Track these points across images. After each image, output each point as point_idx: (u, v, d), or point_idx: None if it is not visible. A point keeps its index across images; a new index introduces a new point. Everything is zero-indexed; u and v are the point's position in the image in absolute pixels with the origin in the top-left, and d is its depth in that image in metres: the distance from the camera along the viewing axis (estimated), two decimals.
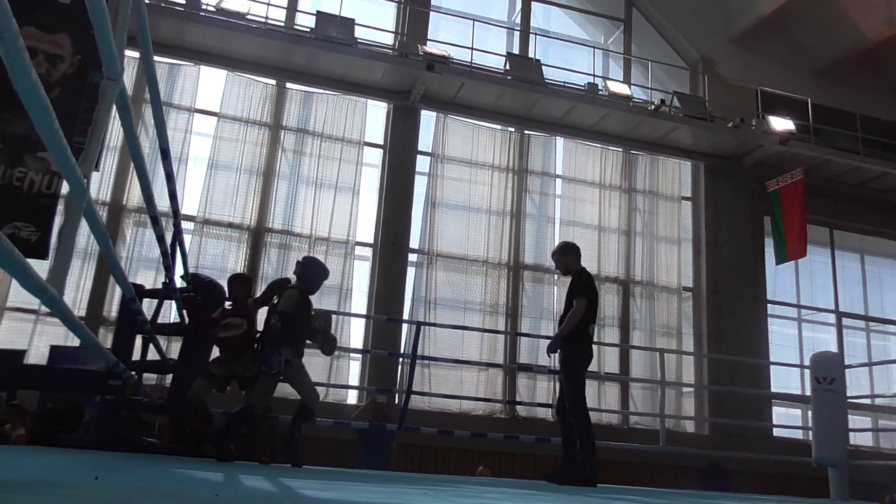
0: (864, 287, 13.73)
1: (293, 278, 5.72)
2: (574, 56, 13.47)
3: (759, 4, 13.52)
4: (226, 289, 5.93)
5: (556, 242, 11.74)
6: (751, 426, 10.82)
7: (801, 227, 11.83)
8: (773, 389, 12.05)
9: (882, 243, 14.07)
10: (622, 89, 12.52)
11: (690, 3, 14.02)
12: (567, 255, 5.67)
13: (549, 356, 5.78)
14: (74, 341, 9.11)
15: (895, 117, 13.72)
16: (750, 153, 12.88)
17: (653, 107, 12.47)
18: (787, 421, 12.56)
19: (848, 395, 7.92)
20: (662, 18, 13.97)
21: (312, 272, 5.69)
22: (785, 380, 12.30)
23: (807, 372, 8.09)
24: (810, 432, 7.85)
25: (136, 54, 8.41)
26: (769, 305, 12.89)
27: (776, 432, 11.76)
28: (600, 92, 12.31)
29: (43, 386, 6.64)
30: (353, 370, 10.85)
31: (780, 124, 12.66)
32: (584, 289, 5.43)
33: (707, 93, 13.40)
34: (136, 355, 6.17)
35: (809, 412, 8.20)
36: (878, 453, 11.78)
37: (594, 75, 12.75)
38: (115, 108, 2.20)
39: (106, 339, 8.52)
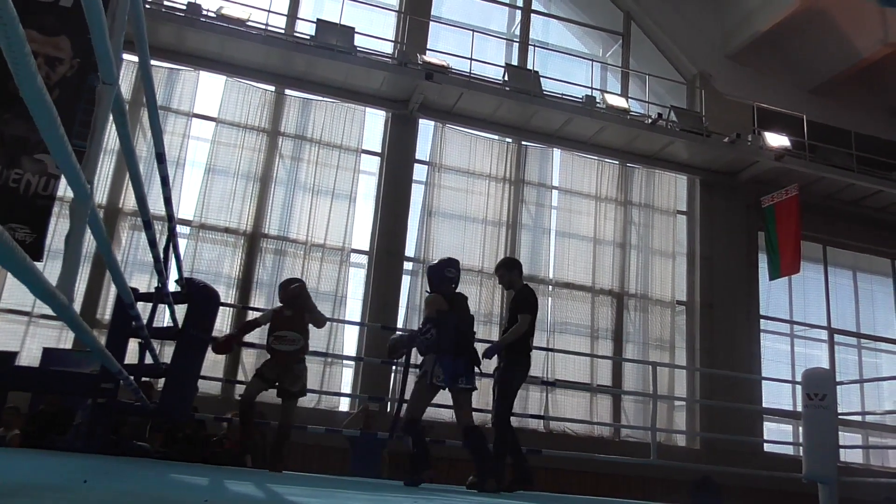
0: (857, 304, 13.76)
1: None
2: (572, 68, 13.54)
3: (755, 21, 13.63)
4: (284, 294, 6.02)
5: (552, 253, 12.00)
6: (742, 441, 10.83)
7: (795, 243, 11.86)
8: (764, 405, 12.07)
9: (875, 261, 14.11)
10: (619, 102, 12.58)
11: (688, 19, 14.11)
12: (512, 271, 5.91)
13: (485, 360, 5.66)
14: (67, 343, 9.09)
15: (890, 135, 13.82)
16: (745, 168, 12.94)
17: (650, 120, 12.53)
18: (779, 436, 12.56)
19: (839, 411, 7.95)
20: (661, 33, 14.06)
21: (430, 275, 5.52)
22: (777, 395, 12.31)
23: (798, 388, 8.12)
24: (801, 448, 7.87)
25: (136, 58, 8.43)
26: (762, 321, 12.92)
27: (767, 447, 11.77)
28: (598, 105, 12.37)
29: (35, 388, 6.62)
30: (346, 377, 10.83)
31: (776, 140, 12.72)
32: (529, 305, 5.70)
33: (704, 108, 13.48)
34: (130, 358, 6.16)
35: (800, 428, 8.22)
36: (868, 470, 11.78)
37: (592, 88, 12.81)
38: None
39: (99, 342, 8.50)
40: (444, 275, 5.41)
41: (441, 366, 5.13)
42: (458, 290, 5.51)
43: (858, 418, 12.35)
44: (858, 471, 11.26)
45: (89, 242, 6.34)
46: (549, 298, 11.81)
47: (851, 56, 13.70)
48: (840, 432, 7.99)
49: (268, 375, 5.71)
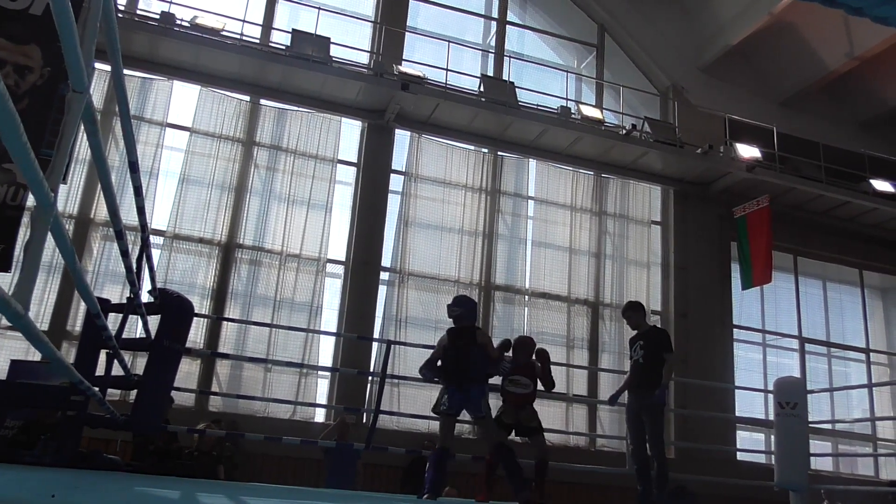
0: (826, 313, 13.97)
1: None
2: (547, 80, 13.65)
3: (727, 35, 13.87)
4: (513, 351, 6.34)
5: (528, 263, 12.05)
6: (716, 450, 10.91)
7: (766, 253, 12.02)
8: (737, 413, 12.18)
9: (844, 271, 14.34)
10: (594, 113, 12.70)
11: (661, 32, 14.31)
12: (638, 313, 6.86)
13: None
14: (36, 356, 8.92)
15: (857, 147, 14.08)
16: (718, 179, 13.11)
17: (624, 131, 12.66)
18: (751, 445, 12.68)
19: (809, 420, 8.05)
20: (634, 45, 14.23)
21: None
22: (750, 404, 12.43)
23: (771, 396, 8.22)
24: (773, 456, 7.95)
25: (108, 67, 8.34)
26: (735, 330, 13.06)
27: (740, 456, 11.87)
28: (573, 116, 12.47)
29: (2, 401, 6.48)
30: (322, 388, 10.76)
31: (747, 152, 12.92)
32: (672, 345, 6.65)
33: (677, 119, 13.66)
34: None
35: (773, 436, 8.31)
36: (838, 478, 11.95)
37: (567, 99, 12.93)
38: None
39: (69, 353, 8.36)
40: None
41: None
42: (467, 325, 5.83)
43: (829, 426, 12.51)
44: (828, 478, 11.41)
45: (59, 253, 6.25)
46: (525, 308, 11.85)
47: (819, 69, 13.99)
48: (811, 440, 8.08)
49: (507, 420, 6.14)
